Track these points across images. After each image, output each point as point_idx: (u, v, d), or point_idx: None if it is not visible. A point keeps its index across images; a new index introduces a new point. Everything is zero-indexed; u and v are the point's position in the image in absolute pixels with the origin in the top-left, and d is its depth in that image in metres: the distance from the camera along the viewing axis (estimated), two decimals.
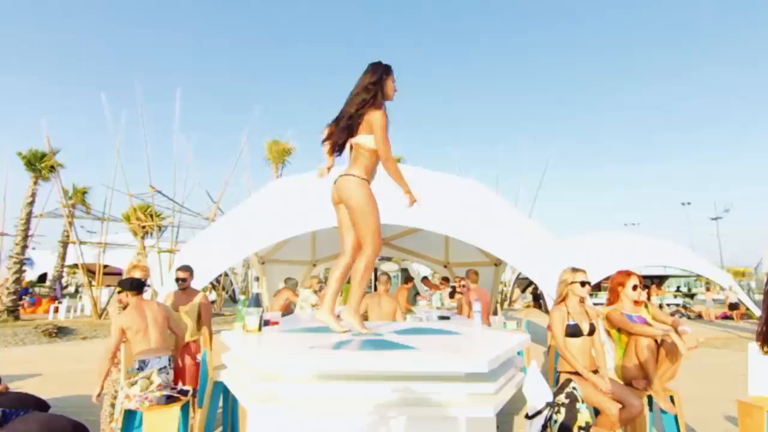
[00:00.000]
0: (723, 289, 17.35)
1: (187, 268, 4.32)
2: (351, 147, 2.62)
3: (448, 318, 4.11)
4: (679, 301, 18.89)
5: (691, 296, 21.35)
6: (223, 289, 21.69)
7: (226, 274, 20.94)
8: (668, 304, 17.75)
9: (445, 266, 10.23)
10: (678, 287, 25.94)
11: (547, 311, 17.72)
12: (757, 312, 15.31)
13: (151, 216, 15.28)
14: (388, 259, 13.10)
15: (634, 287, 3.02)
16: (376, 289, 5.00)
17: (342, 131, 2.55)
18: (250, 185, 18.97)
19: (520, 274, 19.25)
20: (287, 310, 5.90)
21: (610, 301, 3.13)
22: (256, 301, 2.29)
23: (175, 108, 16.39)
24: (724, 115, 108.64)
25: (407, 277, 7.43)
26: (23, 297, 16.40)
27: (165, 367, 3.30)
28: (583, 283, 2.95)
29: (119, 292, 3.66)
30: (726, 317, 15.91)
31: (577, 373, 2.82)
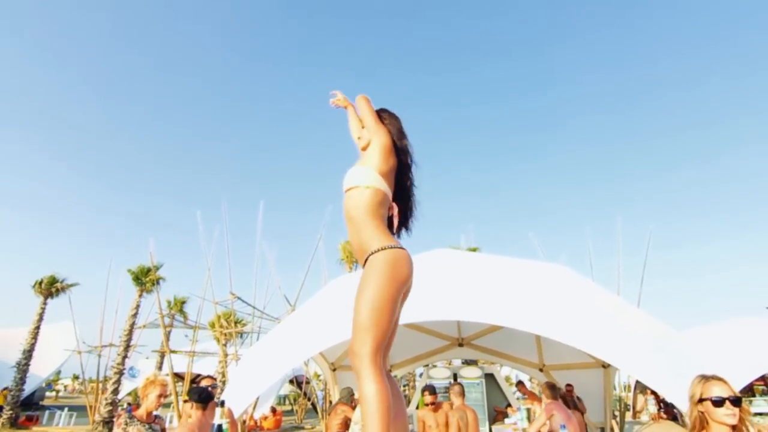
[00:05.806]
0: None
1: (212, 377, 3.80)
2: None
3: None
4: None
5: None
6: (306, 396, 20.84)
7: (308, 381, 20.21)
8: None
9: (541, 370, 8.69)
10: None
11: (684, 424, 14.09)
12: None
13: (234, 323, 15.66)
14: (474, 362, 11.63)
15: None
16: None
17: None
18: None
19: None
20: (346, 429, 5.05)
21: None
22: None
23: (258, 218, 17.60)
24: None
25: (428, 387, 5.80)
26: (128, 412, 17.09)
27: None
28: (718, 402, 1.88)
29: (185, 401, 3.40)
30: None
31: None
